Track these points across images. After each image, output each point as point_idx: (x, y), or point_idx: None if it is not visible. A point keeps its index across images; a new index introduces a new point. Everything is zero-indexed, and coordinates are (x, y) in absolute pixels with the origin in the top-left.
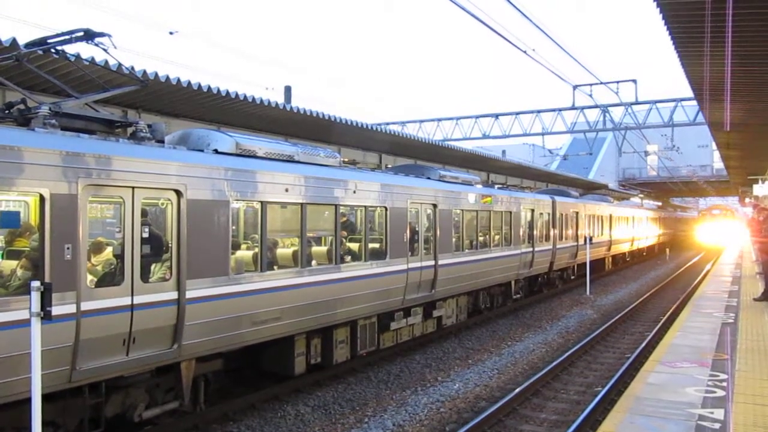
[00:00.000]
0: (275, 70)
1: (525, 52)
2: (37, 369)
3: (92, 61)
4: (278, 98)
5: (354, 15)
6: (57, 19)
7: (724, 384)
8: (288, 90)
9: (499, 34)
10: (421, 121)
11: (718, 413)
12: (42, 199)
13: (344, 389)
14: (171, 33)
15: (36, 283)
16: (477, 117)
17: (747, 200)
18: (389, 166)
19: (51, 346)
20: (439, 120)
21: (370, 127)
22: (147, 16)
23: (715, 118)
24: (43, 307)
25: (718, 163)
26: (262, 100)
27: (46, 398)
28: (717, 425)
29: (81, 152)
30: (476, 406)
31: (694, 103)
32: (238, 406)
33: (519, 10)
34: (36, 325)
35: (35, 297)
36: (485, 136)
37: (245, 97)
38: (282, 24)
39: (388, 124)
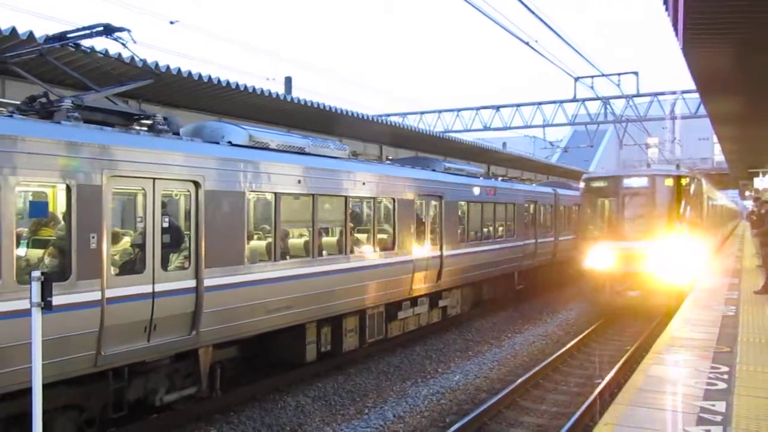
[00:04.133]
0: (275, 61)
1: (527, 43)
2: (38, 360)
3: (106, 53)
4: (279, 89)
5: (355, 6)
6: (49, 4)
7: (726, 377)
8: (288, 81)
9: (501, 25)
10: (422, 113)
11: (720, 406)
12: (69, 189)
13: (344, 380)
14: (171, 23)
15: (36, 273)
16: (478, 108)
17: (747, 193)
18: (390, 157)
19: (78, 332)
20: (440, 111)
21: (371, 119)
22: (147, 4)
23: (716, 110)
24: (43, 297)
25: (718, 156)
26: (263, 91)
27: (72, 382)
28: (719, 418)
29: (105, 144)
30: (476, 397)
31: (696, 95)
32: (239, 396)
33: (521, 1)
34: (36, 315)
35: (35, 287)
36: (486, 128)
37: (245, 87)
38: (281, 14)
39: (388, 115)
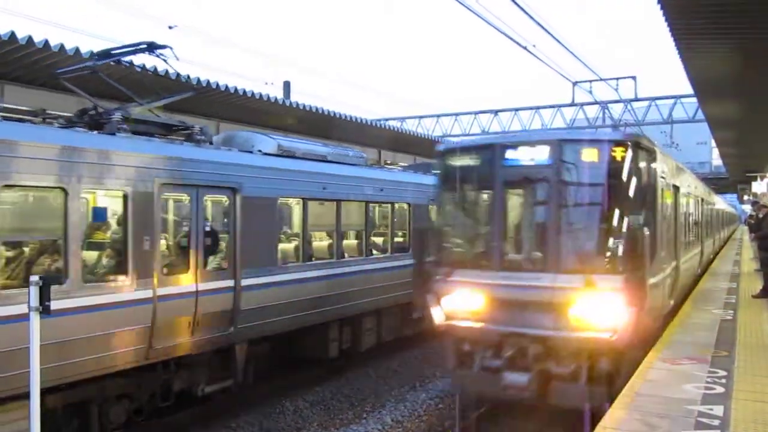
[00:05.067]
0: (275, 64)
1: (525, 48)
2: (36, 364)
3: (155, 70)
4: (278, 93)
5: (354, 11)
6: (48, 6)
7: (724, 381)
8: (287, 85)
9: (500, 30)
10: (421, 117)
11: (718, 410)
12: (125, 196)
13: (343, 385)
14: (170, 27)
15: (35, 278)
16: (476, 113)
17: (746, 198)
18: (389, 161)
19: (133, 326)
20: (439, 116)
21: (369, 123)
22: (145, 8)
23: (714, 114)
24: (41, 302)
25: (716, 161)
26: (261, 95)
27: (122, 374)
28: (716, 422)
29: (157, 155)
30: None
31: (694, 100)
32: (238, 401)
33: (520, 7)
34: (35, 320)
35: (34, 292)
36: (484, 132)
37: (244, 91)
38: (280, 18)
39: (387, 119)
